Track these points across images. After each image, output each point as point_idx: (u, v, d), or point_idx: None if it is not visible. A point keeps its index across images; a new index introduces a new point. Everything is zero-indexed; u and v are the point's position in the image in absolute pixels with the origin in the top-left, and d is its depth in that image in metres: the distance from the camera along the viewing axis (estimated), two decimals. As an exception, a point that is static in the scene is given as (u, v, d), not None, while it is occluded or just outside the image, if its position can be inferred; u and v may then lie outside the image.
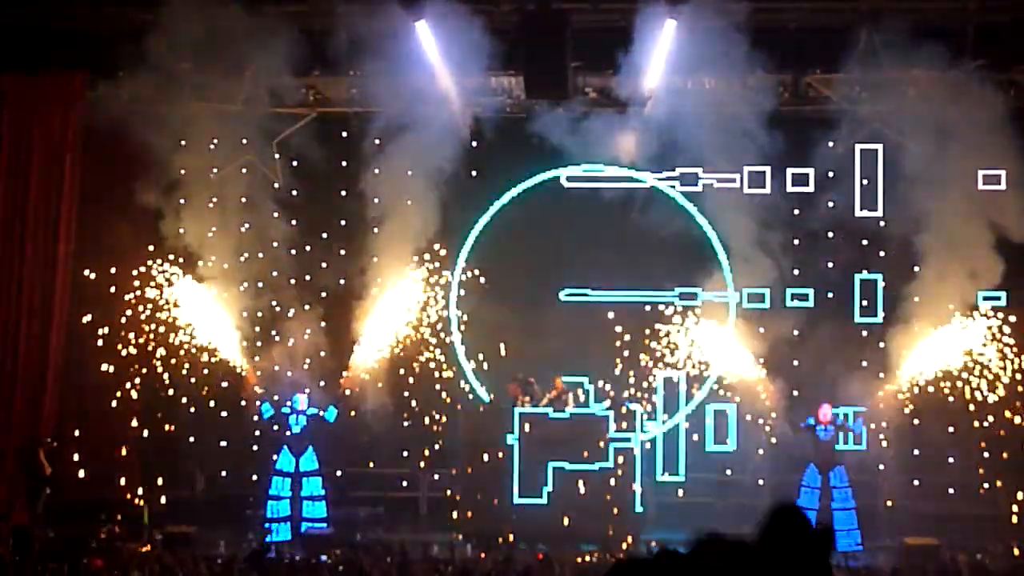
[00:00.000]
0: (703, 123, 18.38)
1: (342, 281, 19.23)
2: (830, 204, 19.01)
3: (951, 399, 18.08)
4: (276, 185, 19.41)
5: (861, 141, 19.06)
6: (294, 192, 19.45)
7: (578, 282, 19.77)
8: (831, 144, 18.75)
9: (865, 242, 19.01)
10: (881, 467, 18.34)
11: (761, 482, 18.77)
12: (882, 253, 18.85)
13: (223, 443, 19.05)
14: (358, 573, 13.21)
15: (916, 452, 18.50)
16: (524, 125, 18.94)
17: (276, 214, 18.98)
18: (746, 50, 17.32)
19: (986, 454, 18.30)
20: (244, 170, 19.10)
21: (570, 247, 19.76)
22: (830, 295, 19.27)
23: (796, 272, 19.06)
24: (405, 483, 19.59)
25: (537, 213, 19.84)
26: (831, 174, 19.05)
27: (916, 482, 18.38)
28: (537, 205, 19.92)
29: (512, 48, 17.92)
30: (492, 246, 19.86)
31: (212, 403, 18.86)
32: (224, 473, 19.34)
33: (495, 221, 19.93)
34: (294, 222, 19.17)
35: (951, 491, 18.34)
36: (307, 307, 19.20)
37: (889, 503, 18.23)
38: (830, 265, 19.19)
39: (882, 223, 18.95)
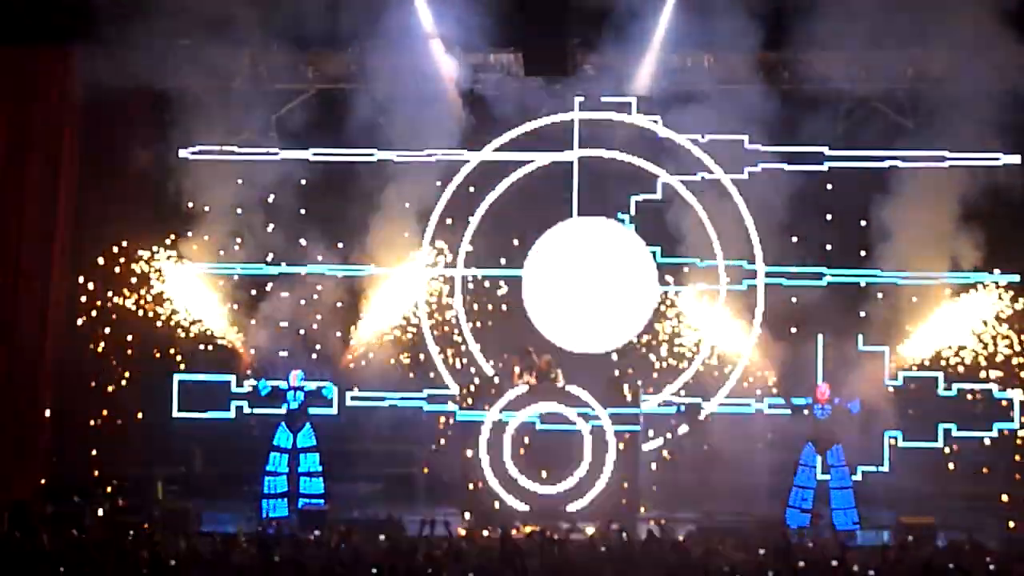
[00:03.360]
0: (703, 100, 18.41)
1: (343, 261, 19.27)
2: (829, 184, 19.05)
3: (950, 376, 18.21)
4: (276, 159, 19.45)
5: (860, 119, 19.04)
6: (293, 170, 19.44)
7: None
8: (831, 122, 18.80)
9: (863, 223, 18.95)
10: (878, 446, 18.38)
11: (758, 458, 18.80)
12: (883, 231, 18.75)
13: (220, 419, 19.08)
14: (353, 550, 13.24)
15: (913, 430, 18.57)
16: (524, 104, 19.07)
17: (274, 193, 18.96)
18: (746, 28, 17.28)
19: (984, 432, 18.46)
20: (242, 148, 19.11)
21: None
22: (830, 272, 19.23)
23: (795, 251, 19.03)
24: (403, 460, 19.60)
25: (533, 192, 19.87)
26: (830, 152, 19.06)
27: (912, 460, 18.45)
28: (534, 184, 19.93)
29: (511, 24, 17.88)
30: (492, 227, 19.84)
31: (207, 379, 18.97)
32: (221, 449, 19.35)
33: (497, 201, 19.93)
34: (293, 200, 19.16)
35: (949, 469, 18.41)
36: (306, 285, 19.26)
37: (885, 482, 18.27)
38: (829, 245, 19.16)
39: (883, 201, 18.89)
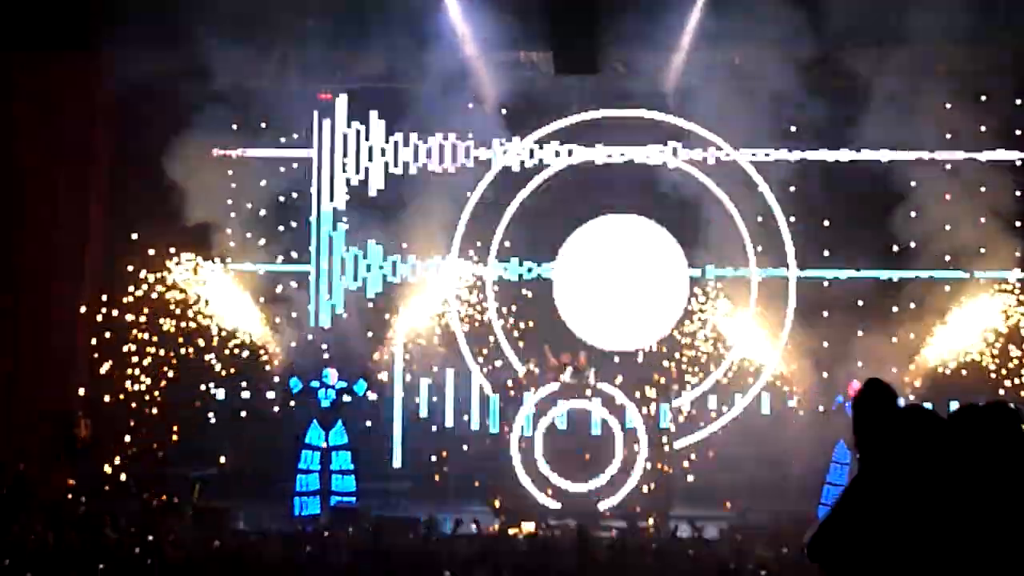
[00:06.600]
0: (732, 97, 18.37)
1: (375, 259, 19.34)
2: (859, 177, 18.99)
3: (982, 374, 18.15)
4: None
5: (889, 114, 18.96)
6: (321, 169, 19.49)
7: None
8: (859, 117, 18.75)
9: (894, 216, 18.90)
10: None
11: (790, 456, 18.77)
12: (913, 228, 18.68)
13: (252, 417, 19.16)
14: (383, 548, 13.27)
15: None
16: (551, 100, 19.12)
17: (303, 192, 19.04)
18: (775, 23, 17.22)
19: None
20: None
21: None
22: (859, 270, 19.18)
23: (824, 247, 19.00)
24: (434, 458, 19.65)
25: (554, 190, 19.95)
26: (861, 146, 19.01)
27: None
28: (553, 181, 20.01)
29: (541, 23, 17.89)
30: (520, 223, 19.89)
31: (241, 377, 19.06)
32: (254, 447, 19.43)
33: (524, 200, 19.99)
34: (324, 199, 19.23)
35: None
36: (339, 282, 19.35)
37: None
38: (859, 239, 19.10)
39: (914, 197, 18.82)
